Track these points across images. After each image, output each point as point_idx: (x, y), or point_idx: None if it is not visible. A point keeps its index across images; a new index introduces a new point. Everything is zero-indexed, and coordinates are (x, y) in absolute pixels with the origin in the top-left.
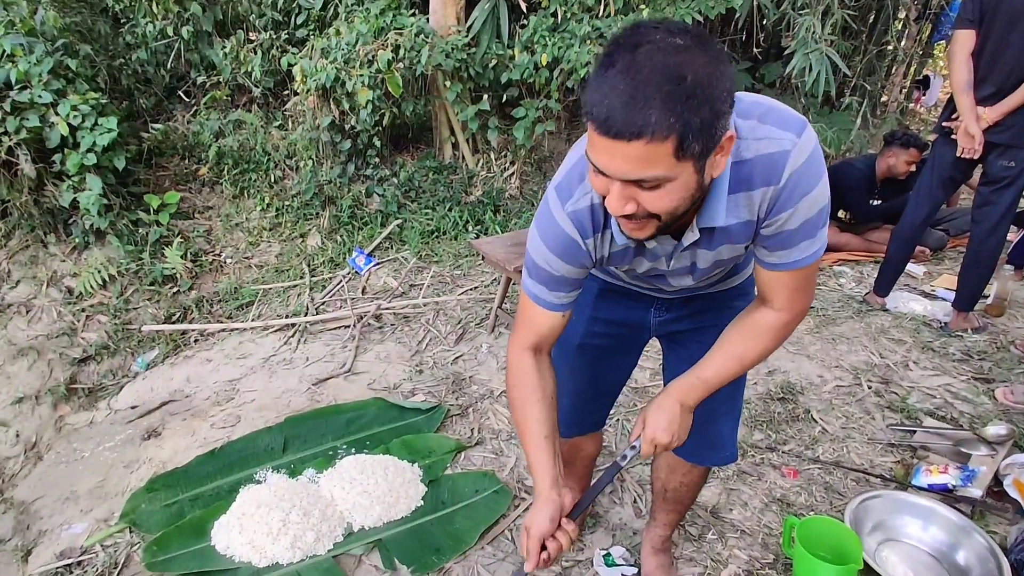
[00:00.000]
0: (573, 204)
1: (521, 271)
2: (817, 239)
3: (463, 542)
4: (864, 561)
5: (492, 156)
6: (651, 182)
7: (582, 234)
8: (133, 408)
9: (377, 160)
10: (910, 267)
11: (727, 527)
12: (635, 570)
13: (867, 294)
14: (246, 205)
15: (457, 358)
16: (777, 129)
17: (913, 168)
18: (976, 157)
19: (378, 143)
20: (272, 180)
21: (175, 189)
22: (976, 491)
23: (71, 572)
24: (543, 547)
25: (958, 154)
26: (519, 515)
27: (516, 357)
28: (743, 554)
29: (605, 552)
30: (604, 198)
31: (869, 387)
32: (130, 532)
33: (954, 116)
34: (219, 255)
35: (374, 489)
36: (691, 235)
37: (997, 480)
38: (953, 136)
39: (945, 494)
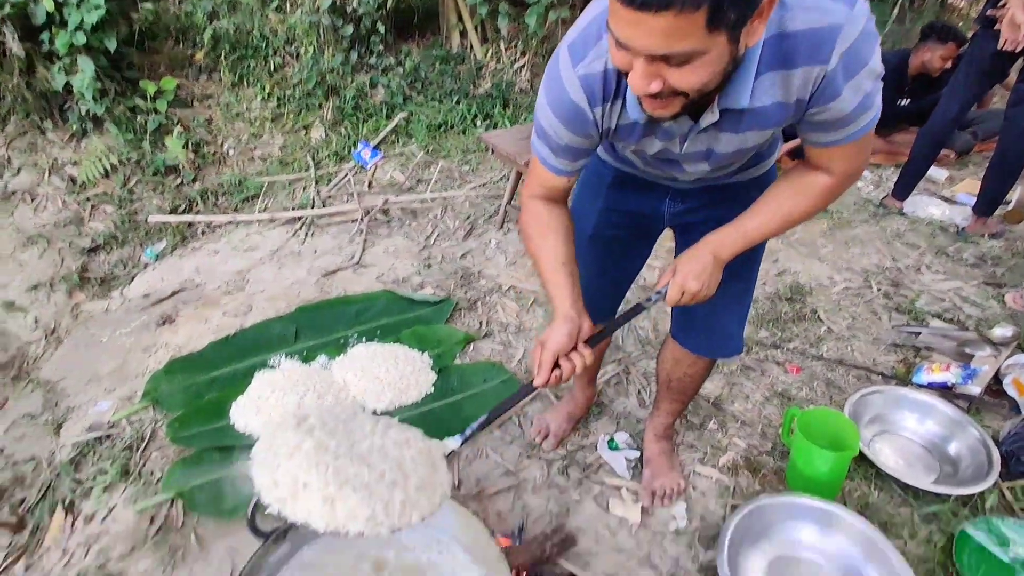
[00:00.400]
0: (585, 67)
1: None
2: (873, 107)
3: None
4: (859, 450)
5: (502, 46)
6: (679, 57)
7: (591, 101)
8: (145, 297)
9: (381, 48)
10: (932, 171)
11: (728, 418)
12: (637, 454)
13: (885, 198)
14: (246, 94)
15: (466, 253)
16: None
17: (948, 65)
18: (1018, 50)
19: (382, 29)
20: (272, 68)
21: (171, 75)
22: (975, 389)
23: (101, 444)
24: (556, 365)
25: (1000, 46)
26: (526, 403)
27: (528, 202)
28: (742, 442)
29: (609, 437)
30: (625, 72)
31: (878, 289)
32: (153, 410)
33: (1000, 4)
34: (221, 146)
35: (385, 375)
36: (710, 116)
37: (997, 379)
38: (997, 27)
39: (944, 391)
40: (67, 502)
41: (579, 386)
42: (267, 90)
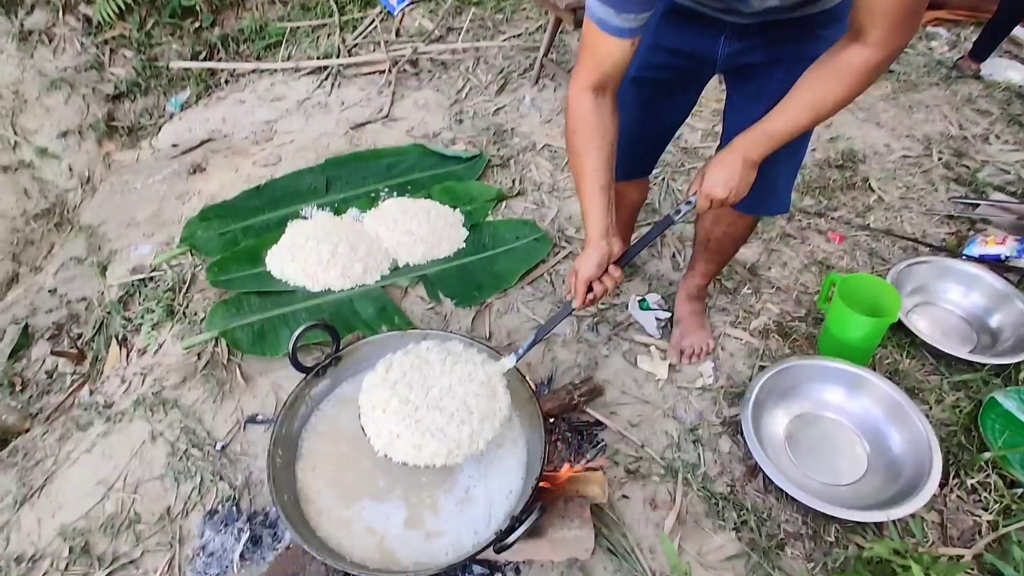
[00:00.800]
0: None
1: (574, 9)
2: None
3: (504, 281)
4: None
5: None
6: None
7: None
8: (174, 146)
9: None
10: (1017, 31)
11: (763, 283)
12: (668, 315)
13: (960, 59)
14: None
15: (499, 109)
16: None
17: None
18: None
19: None
20: None
21: None
22: None
23: (145, 285)
24: (589, 289)
25: None
26: (558, 261)
27: (576, 98)
28: (775, 308)
29: (641, 298)
30: None
31: (939, 158)
32: (191, 255)
33: None
34: None
35: (417, 229)
36: None
37: None
38: None
39: (995, 264)
40: (120, 337)
41: (621, 247)
42: None
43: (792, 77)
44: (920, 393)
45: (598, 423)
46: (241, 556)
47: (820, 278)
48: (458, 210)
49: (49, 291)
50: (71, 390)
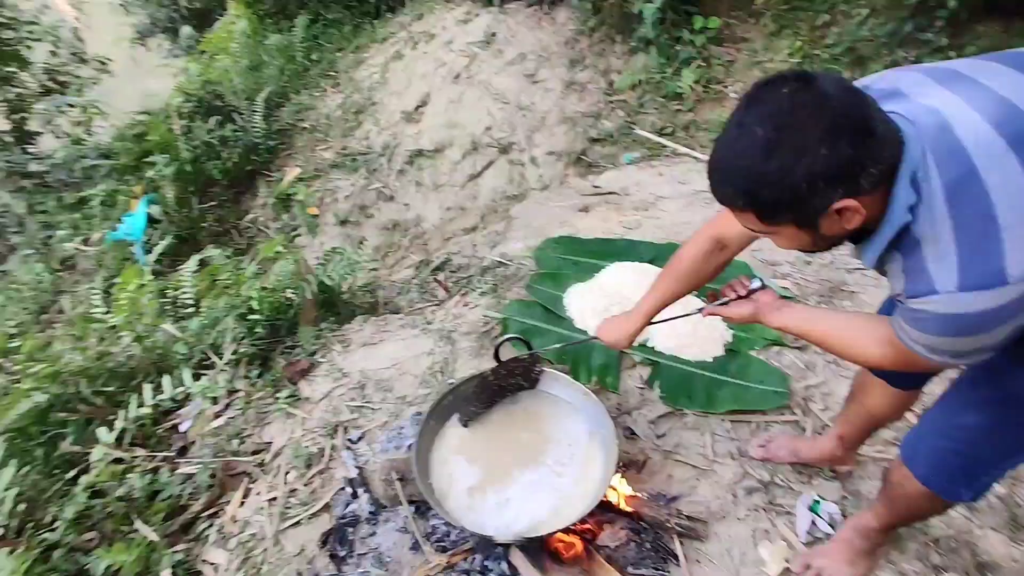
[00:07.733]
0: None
1: None
2: None
3: (713, 406)
4: None
5: None
6: None
7: None
8: (596, 187)
9: (942, 24)
10: None
11: None
12: (828, 532)
13: None
14: (777, 45)
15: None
16: None
17: None
18: None
19: (954, 2)
20: (816, 24)
21: (727, 15)
22: None
23: (499, 266)
24: None
25: None
26: (773, 420)
27: (695, 236)
28: None
29: (818, 500)
30: None
31: None
32: (535, 262)
33: None
34: (727, 87)
35: (683, 327)
36: None
37: None
38: None
39: None
40: (464, 291)
41: (832, 435)
42: (798, 45)
43: None
44: None
45: (675, 557)
46: (408, 446)
47: None
48: (731, 332)
49: (473, 244)
50: (431, 304)
